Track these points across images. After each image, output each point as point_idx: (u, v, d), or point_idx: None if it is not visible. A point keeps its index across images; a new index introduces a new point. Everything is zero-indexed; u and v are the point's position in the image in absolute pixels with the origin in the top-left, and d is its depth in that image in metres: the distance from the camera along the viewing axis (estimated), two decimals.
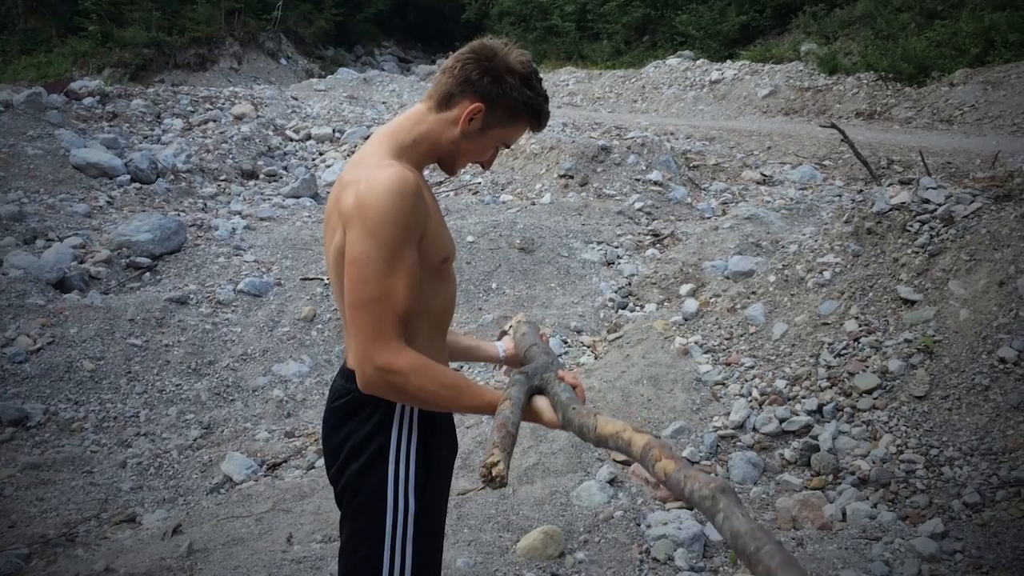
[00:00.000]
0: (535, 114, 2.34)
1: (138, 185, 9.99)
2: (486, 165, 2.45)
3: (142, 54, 23.84)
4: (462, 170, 2.48)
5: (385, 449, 2.29)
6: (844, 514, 4.29)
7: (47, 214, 8.69)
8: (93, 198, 9.46)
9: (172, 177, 10.43)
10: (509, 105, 2.30)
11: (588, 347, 6.61)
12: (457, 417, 5.46)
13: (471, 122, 2.29)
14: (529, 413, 2.24)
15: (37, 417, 5.88)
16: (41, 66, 21.93)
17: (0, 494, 5.14)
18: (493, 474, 1.94)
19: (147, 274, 7.75)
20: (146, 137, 11.93)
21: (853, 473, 4.48)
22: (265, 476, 5.48)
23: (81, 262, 7.71)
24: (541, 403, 2.26)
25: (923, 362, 4.80)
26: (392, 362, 2.14)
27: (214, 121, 12.62)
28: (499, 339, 2.80)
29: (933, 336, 4.86)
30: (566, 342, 6.74)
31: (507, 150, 2.49)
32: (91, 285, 7.44)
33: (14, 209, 8.42)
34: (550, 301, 7.44)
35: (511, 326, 2.77)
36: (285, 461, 5.64)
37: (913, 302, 5.12)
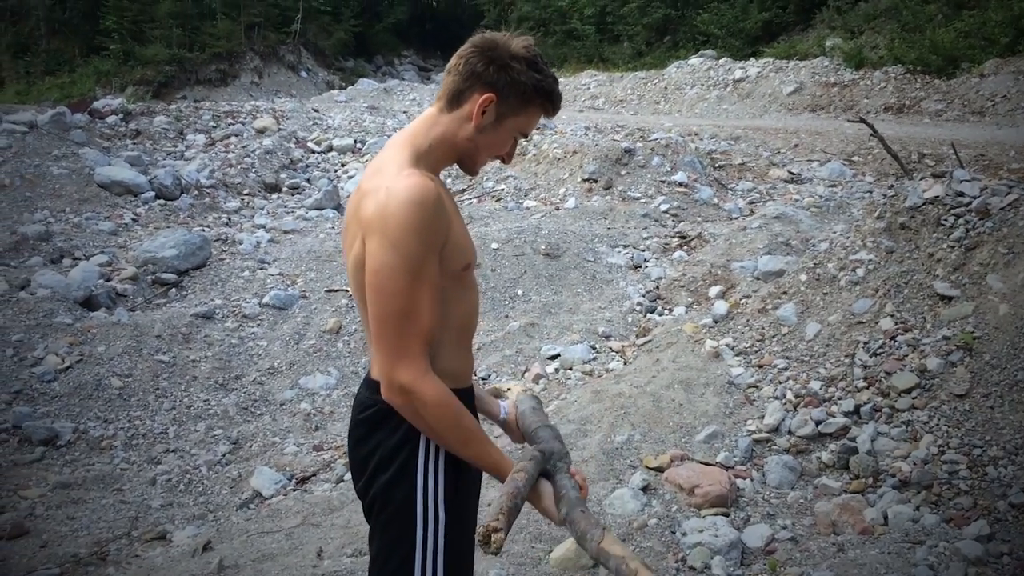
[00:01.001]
0: (547, 96, 2.30)
1: (162, 201, 10.02)
2: (507, 159, 2.41)
3: (164, 71, 24.03)
4: (483, 168, 2.43)
5: (413, 461, 2.26)
6: (886, 518, 4.18)
7: (73, 233, 8.72)
8: (118, 216, 9.49)
9: (196, 192, 10.45)
10: (519, 91, 2.26)
11: (617, 352, 6.53)
12: (484, 426, 5.41)
13: (484, 114, 2.26)
14: (531, 492, 2.23)
15: (67, 436, 5.89)
16: (65, 86, 22.16)
17: (31, 514, 5.15)
18: (492, 539, 1.95)
19: (173, 290, 7.76)
20: (169, 153, 11.96)
21: (894, 475, 4.37)
22: (294, 490, 5.45)
23: (107, 280, 7.73)
24: (545, 488, 2.25)
25: (963, 359, 4.68)
26: (416, 384, 2.13)
27: (236, 135, 12.65)
28: (496, 397, 2.77)
29: (972, 332, 4.74)
30: (594, 347, 6.66)
31: (526, 143, 2.43)
32: (118, 302, 7.46)
33: (40, 229, 8.46)
34: (577, 307, 7.37)
35: (510, 391, 2.74)
36: (314, 474, 5.62)
37: (950, 298, 5.00)
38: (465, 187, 10.56)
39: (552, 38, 28.25)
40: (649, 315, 7.13)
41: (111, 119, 12.45)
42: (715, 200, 9.96)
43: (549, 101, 2.32)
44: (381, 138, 12.88)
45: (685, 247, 8.43)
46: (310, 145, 12.78)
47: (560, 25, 28.89)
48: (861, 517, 4.21)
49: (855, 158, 11.60)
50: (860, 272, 5.57)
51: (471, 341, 2.47)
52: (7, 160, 9.74)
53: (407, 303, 2.12)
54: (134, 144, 11.90)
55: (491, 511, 2.01)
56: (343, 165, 12.17)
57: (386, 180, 2.17)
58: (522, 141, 2.49)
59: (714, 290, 7.01)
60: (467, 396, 2.47)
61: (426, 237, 2.12)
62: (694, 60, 21.03)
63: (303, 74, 27.98)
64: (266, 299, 7.46)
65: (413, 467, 2.26)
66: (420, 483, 2.26)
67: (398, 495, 2.26)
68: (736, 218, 9.33)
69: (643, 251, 8.37)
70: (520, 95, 2.26)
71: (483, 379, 6.46)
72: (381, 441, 2.29)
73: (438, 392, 2.15)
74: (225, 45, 25.84)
